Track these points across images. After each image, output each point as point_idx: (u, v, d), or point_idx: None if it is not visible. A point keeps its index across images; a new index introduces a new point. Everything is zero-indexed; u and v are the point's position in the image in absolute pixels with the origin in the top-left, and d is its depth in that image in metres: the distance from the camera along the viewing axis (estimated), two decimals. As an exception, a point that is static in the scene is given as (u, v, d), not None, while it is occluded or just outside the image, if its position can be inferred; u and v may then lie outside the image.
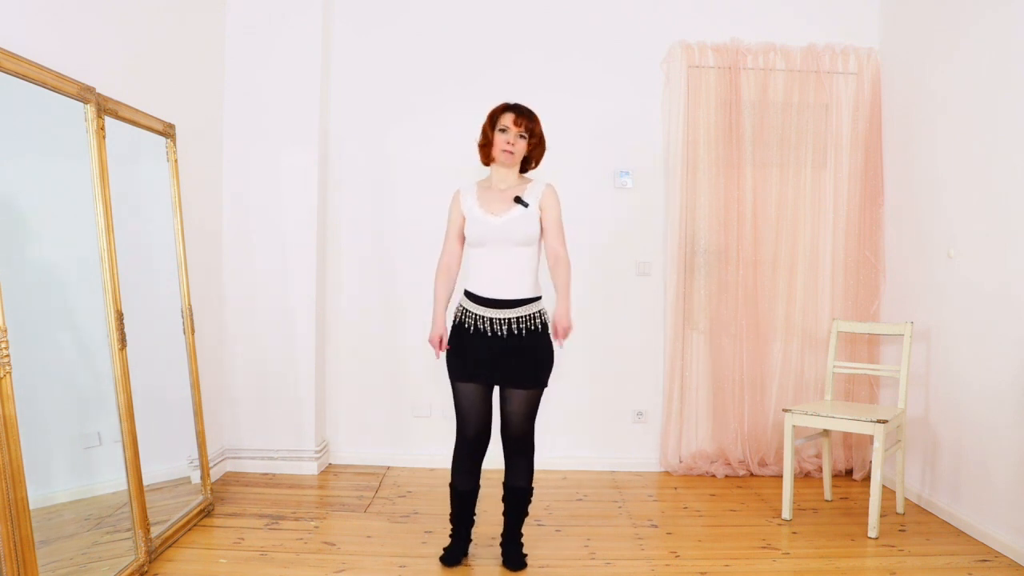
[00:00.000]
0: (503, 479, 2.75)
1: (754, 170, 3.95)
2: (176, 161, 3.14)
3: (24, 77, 2.15)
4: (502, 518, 2.79)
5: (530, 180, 2.73)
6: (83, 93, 2.45)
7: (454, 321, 2.70)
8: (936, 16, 3.53)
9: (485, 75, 3.96)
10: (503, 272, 2.60)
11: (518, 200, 2.62)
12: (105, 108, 2.57)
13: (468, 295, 2.65)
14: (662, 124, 4.00)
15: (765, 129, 3.95)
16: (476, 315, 2.61)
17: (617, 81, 4.01)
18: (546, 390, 4.18)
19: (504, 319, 2.58)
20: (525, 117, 2.63)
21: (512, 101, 2.71)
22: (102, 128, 2.54)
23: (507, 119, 2.63)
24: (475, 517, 2.83)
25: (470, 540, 2.84)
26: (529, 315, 2.60)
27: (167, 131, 3.09)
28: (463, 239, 2.72)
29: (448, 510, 2.82)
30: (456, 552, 2.77)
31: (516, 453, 2.70)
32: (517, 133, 2.62)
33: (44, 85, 2.26)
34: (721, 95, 3.94)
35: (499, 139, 2.63)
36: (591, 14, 4.01)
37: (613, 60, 4.01)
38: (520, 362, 2.60)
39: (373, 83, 4.00)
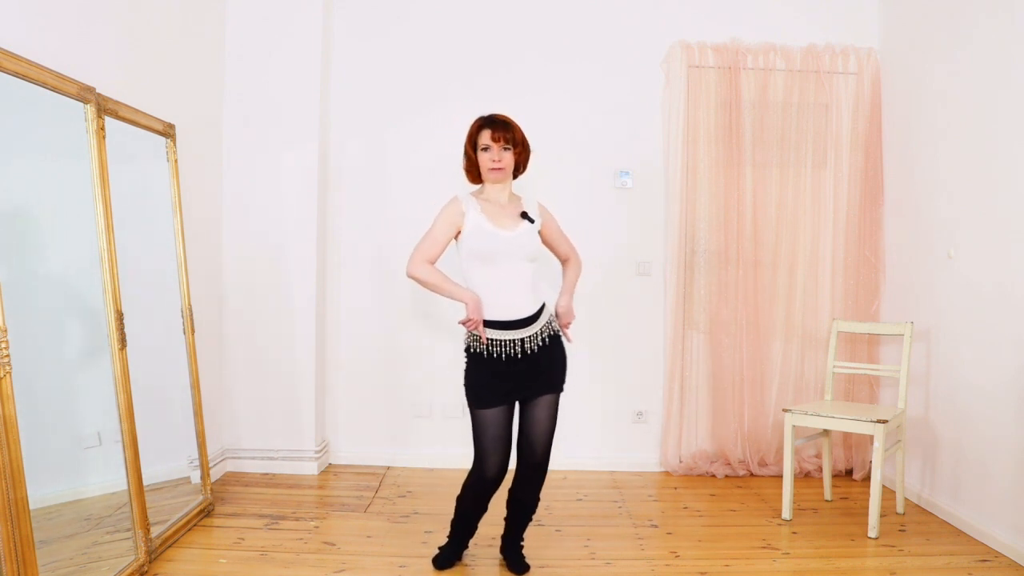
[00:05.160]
0: (511, 486, 2.67)
1: (754, 170, 3.95)
2: (176, 161, 3.14)
3: (24, 77, 2.16)
4: (503, 521, 2.77)
5: (520, 196, 2.66)
6: (83, 93, 2.45)
7: (468, 350, 2.55)
8: (936, 16, 3.52)
9: (486, 76, 3.96)
10: (511, 291, 2.50)
11: (524, 216, 2.56)
12: (105, 108, 2.57)
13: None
14: (662, 124, 4.00)
15: (765, 129, 3.95)
16: (492, 339, 2.50)
17: (617, 81, 4.01)
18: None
19: (519, 339, 2.50)
20: (502, 129, 2.50)
21: (486, 114, 2.59)
22: (102, 128, 2.54)
23: (485, 136, 2.50)
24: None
25: (467, 547, 2.83)
26: (542, 327, 2.54)
27: (167, 131, 3.09)
28: (444, 248, 2.55)
29: (448, 513, 2.81)
30: (451, 556, 2.76)
31: (535, 474, 2.62)
32: (500, 148, 2.50)
33: (44, 85, 2.26)
34: (721, 95, 3.94)
35: (483, 158, 2.52)
36: (591, 15, 4.01)
37: (613, 60, 4.01)
38: (543, 373, 2.54)
39: (373, 83, 4.00)
